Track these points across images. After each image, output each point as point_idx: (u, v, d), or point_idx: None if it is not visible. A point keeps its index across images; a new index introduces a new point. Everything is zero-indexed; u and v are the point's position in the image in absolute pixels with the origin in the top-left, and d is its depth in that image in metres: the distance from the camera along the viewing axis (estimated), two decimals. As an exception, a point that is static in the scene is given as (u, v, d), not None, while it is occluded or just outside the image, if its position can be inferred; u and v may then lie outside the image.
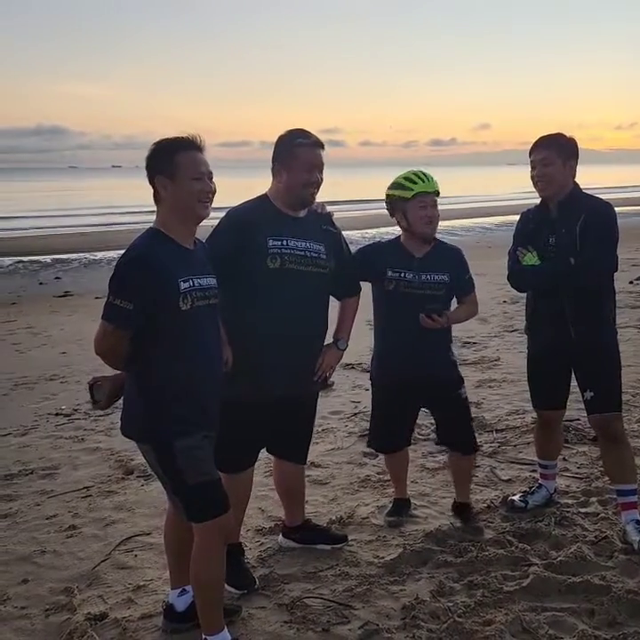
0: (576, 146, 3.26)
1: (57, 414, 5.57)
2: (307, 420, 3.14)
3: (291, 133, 2.86)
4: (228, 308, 2.77)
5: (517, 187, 43.37)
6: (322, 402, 5.83)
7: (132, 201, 31.42)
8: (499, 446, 4.40)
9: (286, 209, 2.86)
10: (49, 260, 16.58)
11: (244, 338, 2.77)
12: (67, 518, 3.68)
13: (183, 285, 2.35)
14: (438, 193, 3.17)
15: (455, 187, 48.88)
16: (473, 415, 4.97)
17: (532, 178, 3.27)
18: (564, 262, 3.13)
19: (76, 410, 5.68)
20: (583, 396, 3.28)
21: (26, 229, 23.76)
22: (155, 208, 2.46)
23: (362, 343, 5.60)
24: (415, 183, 3.16)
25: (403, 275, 3.16)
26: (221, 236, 2.77)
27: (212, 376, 2.48)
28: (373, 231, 21.63)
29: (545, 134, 3.27)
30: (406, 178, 3.19)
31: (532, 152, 3.28)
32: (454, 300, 3.37)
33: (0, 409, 5.78)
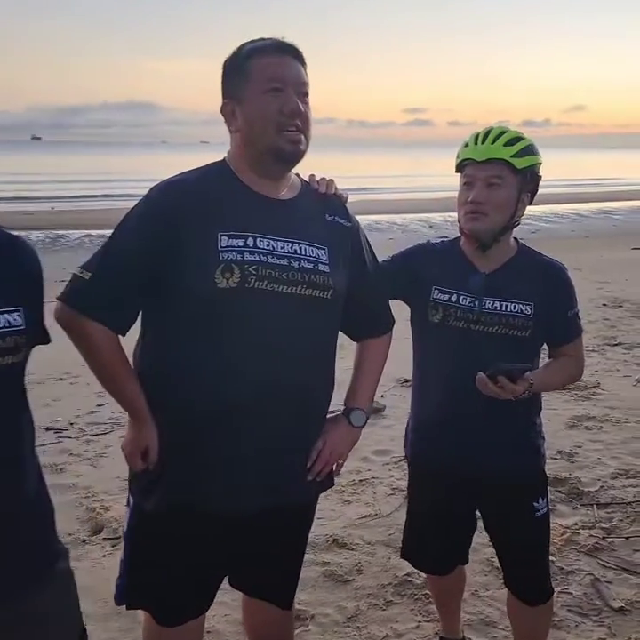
0: None
1: (47, 429, 4.63)
2: (294, 544, 1.86)
3: (241, 45, 1.62)
4: (150, 358, 1.63)
5: (616, 171, 40.40)
6: (365, 434, 4.73)
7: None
8: (603, 537, 3.08)
9: (256, 181, 1.62)
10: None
11: (177, 410, 1.59)
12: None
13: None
14: (511, 165, 1.85)
15: (548, 170, 45.97)
16: (564, 474, 3.73)
17: None
18: None
19: (71, 423, 4.74)
20: None
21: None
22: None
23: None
24: (466, 147, 1.92)
25: (456, 298, 1.91)
26: (134, 231, 1.58)
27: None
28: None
29: None
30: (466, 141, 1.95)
31: None
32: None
33: (-10, 416, 4.93)
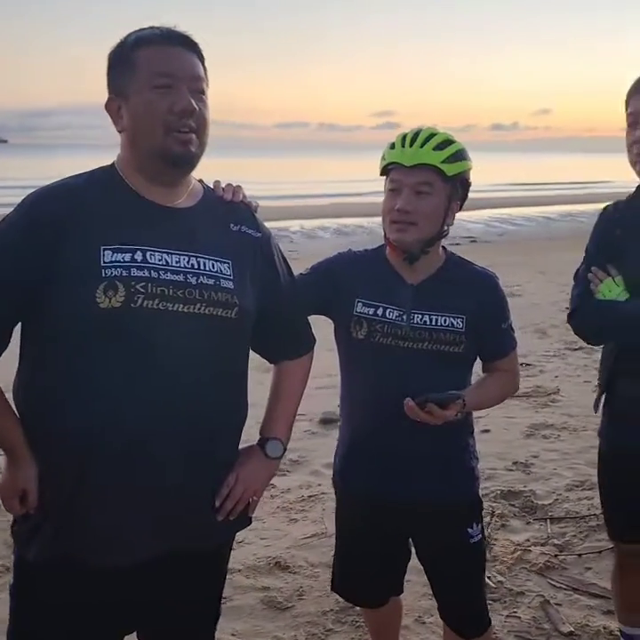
0: None
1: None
2: (205, 594, 1.63)
3: (128, 34, 1.44)
4: (27, 387, 1.44)
5: (582, 174, 40.96)
6: (317, 444, 4.66)
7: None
8: (554, 555, 2.96)
9: (148, 188, 1.45)
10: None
11: (57, 446, 1.40)
12: None
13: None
14: (441, 171, 1.71)
15: (517, 173, 46.52)
16: (519, 487, 3.63)
17: (630, 149, 1.87)
18: None
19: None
20: None
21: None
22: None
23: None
24: (392, 149, 1.77)
25: (382, 312, 1.76)
26: (4, 244, 1.38)
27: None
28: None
29: None
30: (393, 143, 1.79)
31: (631, 97, 1.88)
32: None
33: None
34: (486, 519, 3.26)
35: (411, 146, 1.73)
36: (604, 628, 2.44)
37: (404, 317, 1.74)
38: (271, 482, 3.77)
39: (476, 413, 4.75)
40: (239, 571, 2.90)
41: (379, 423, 1.78)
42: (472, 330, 1.75)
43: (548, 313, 7.81)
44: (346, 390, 1.90)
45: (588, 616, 2.52)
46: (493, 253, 13.21)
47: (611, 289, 1.87)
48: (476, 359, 1.86)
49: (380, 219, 1.83)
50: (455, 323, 1.74)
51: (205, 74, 1.45)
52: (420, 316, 1.74)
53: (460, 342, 1.74)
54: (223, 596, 2.69)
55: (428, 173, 1.71)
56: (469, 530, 1.83)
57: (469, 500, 1.87)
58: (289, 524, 3.34)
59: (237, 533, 3.18)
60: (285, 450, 1.67)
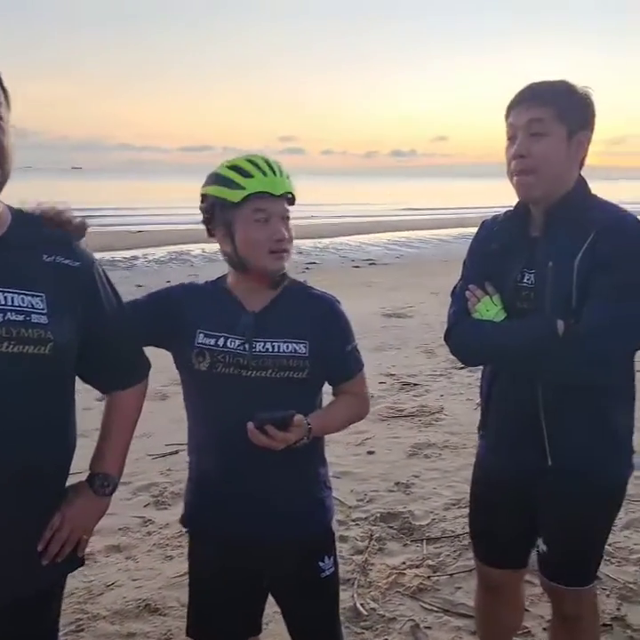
0: (592, 108, 1.81)
1: None
2: None
3: None
4: None
5: (478, 199, 42.92)
6: None
7: (104, 203, 32.03)
8: (428, 577, 2.97)
9: None
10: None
11: None
12: None
13: None
14: (293, 198, 1.73)
15: (414, 198, 48.19)
16: (398, 508, 3.65)
17: (509, 163, 1.81)
18: (544, 323, 1.75)
19: None
20: (537, 546, 1.95)
21: None
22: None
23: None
24: (250, 177, 1.70)
25: (223, 342, 1.72)
26: None
27: None
28: (327, 241, 20.31)
29: (540, 80, 1.80)
30: (234, 167, 1.72)
31: (512, 109, 1.80)
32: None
33: None
34: (365, 543, 3.26)
35: (275, 175, 1.70)
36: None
37: (246, 346, 1.70)
38: (150, 517, 3.68)
39: (361, 435, 4.75)
40: (104, 617, 2.75)
41: (224, 456, 1.72)
42: (315, 354, 1.73)
43: (438, 333, 7.96)
44: (192, 424, 1.83)
45: (455, 638, 2.54)
46: (391, 275, 13.54)
47: (488, 308, 1.84)
48: (323, 384, 1.83)
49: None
50: (298, 348, 1.72)
51: (5, 96, 1.36)
52: (262, 344, 1.71)
53: (304, 367, 1.71)
54: (84, 646, 2.58)
55: (287, 201, 1.73)
56: (320, 563, 1.79)
57: (320, 533, 1.82)
58: (164, 561, 3.21)
59: (107, 577, 3.03)
60: (117, 485, 1.60)
